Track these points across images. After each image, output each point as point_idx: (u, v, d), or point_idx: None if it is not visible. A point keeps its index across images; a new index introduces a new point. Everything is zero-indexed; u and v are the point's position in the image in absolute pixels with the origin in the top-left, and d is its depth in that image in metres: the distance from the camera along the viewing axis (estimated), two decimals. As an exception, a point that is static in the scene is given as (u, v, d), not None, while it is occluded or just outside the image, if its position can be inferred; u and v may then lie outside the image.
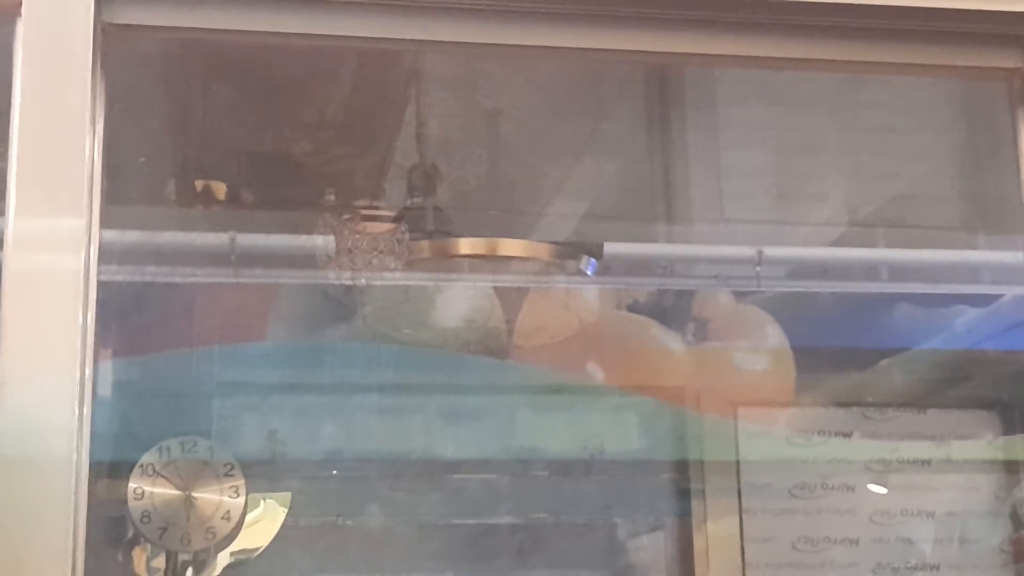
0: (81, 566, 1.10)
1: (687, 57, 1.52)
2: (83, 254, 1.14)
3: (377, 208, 2.32)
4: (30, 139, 1.15)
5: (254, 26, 1.25)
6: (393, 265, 2.18)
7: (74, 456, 1.11)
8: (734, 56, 1.40)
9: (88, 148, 1.16)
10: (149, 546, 2.44)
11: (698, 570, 2.67)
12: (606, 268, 2.64)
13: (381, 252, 2.15)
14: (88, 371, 1.14)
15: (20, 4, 1.17)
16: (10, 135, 1.15)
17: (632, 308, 2.90)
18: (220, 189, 2.64)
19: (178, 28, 1.25)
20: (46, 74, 1.16)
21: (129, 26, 1.21)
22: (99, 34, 1.18)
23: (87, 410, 1.13)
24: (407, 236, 2.19)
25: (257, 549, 2.52)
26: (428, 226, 2.37)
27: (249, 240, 2.56)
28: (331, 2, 1.27)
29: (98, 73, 1.18)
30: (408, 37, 1.32)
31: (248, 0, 1.24)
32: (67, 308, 1.12)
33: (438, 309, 2.59)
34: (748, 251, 2.71)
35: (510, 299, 2.71)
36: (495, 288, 2.66)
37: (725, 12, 1.34)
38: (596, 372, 2.81)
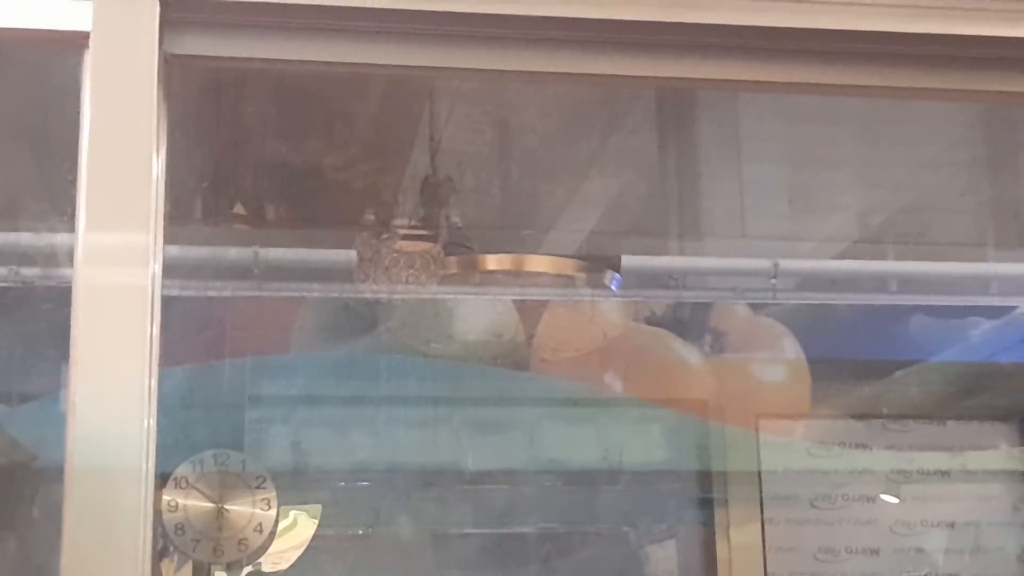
0: (149, 574, 1.15)
1: (709, 83, 1.53)
2: (149, 269, 1.19)
3: (414, 228, 2.36)
4: (99, 161, 1.20)
5: (309, 56, 1.30)
6: (426, 281, 2.23)
7: (143, 466, 1.15)
8: (756, 82, 1.41)
9: (154, 170, 1.22)
10: (177, 556, 2.48)
11: (721, 578, 2.71)
12: (623, 281, 2.67)
13: (416, 269, 2.20)
14: (154, 382, 1.18)
15: (88, 36, 1.22)
16: (79, 158, 1.21)
17: (649, 320, 2.93)
18: (245, 205, 2.68)
19: (235, 59, 1.31)
20: (113, 101, 1.21)
21: (190, 56, 1.27)
22: (162, 64, 1.23)
23: (153, 420, 1.18)
24: (441, 254, 2.24)
25: (288, 561, 2.56)
26: (443, 239, 2.41)
27: (274, 254, 2.60)
28: (379, 32, 1.31)
29: (161, 100, 1.23)
30: (453, 66, 1.37)
31: (303, 31, 1.29)
32: (135, 321, 1.17)
33: (465, 323, 2.63)
34: (764, 263, 2.74)
35: (529, 313, 2.75)
36: (515, 302, 2.70)
37: (747, 40, 1.35)
38: (617, 384, 2.85)
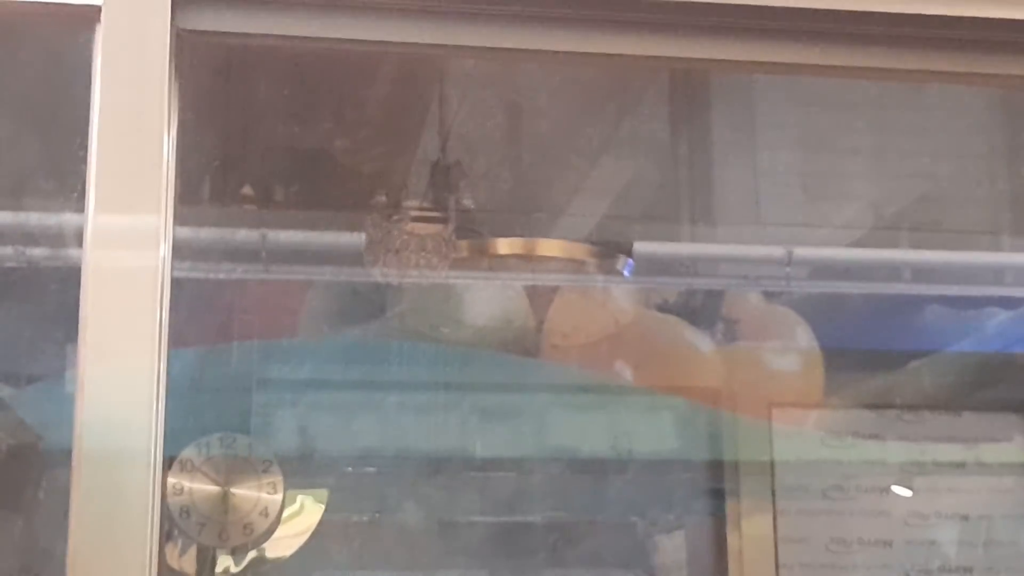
0: (156, 558, 1.13)
1: (723, 64, 1.52)
2: (160, 250, 1.18)
3: (425, 210, 2.35)
4: (109, 140, 1.18)
5: (321, 32, 1.28)
6: (437, 264, 2.21)
7: (152, 449, 1.14)
8: (770, 63, 1.40)
9: (164, 149, 1.20)
10: (181, 540, 2.47)
11: (732, 570, 2.69)
12: (635, 267, 2.65)
13: (427, 252, 2.19)
14: (164, 365, 1.17)
15: (100, 11, 1.20)
16: (89, 136, 1.19)
17: (661, 308, 2.91)
18: (253, 187, 2.66)
19: (248, 35, 1.29)
20: (124, 78, 1.19)
21: (203, 32, 1.25)
22: (174, 40, 1.21)
23: (162, 403, 1.17)
24: (453, 237, 2.22)
25: (293, 547, 2.54)
26: (454, 222, 2.40)
27: (282, 237, 2.59)
28: (391, 8, 1.30)
29: (173, 77, 1.21)
30: (464, 44, 1.36)
31: (317, 7, 1.28)
32: (145, 303, 1.16)
33: (475, 308, 2.62)
34: (778, 251, 2.72)
35: (540, 299, 2.73)
36: (525, 287, 2.69)
37: (761, 20, 1.34)
38: (628, 372, 2.83)
